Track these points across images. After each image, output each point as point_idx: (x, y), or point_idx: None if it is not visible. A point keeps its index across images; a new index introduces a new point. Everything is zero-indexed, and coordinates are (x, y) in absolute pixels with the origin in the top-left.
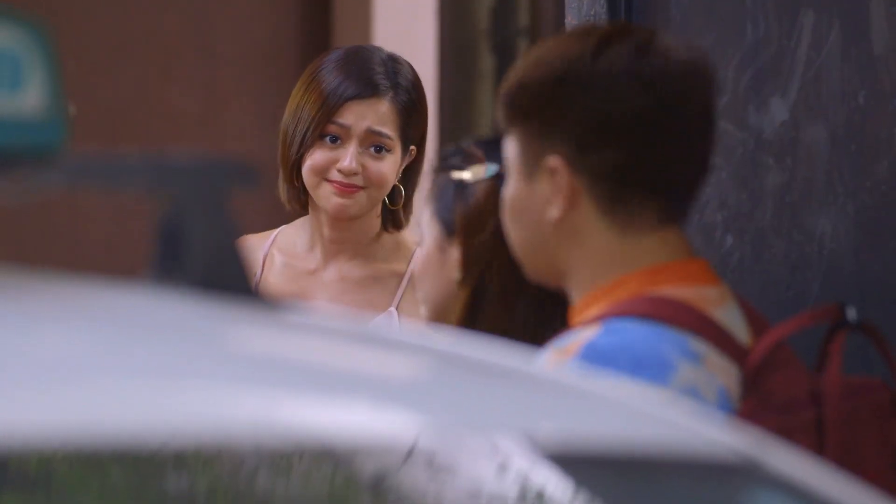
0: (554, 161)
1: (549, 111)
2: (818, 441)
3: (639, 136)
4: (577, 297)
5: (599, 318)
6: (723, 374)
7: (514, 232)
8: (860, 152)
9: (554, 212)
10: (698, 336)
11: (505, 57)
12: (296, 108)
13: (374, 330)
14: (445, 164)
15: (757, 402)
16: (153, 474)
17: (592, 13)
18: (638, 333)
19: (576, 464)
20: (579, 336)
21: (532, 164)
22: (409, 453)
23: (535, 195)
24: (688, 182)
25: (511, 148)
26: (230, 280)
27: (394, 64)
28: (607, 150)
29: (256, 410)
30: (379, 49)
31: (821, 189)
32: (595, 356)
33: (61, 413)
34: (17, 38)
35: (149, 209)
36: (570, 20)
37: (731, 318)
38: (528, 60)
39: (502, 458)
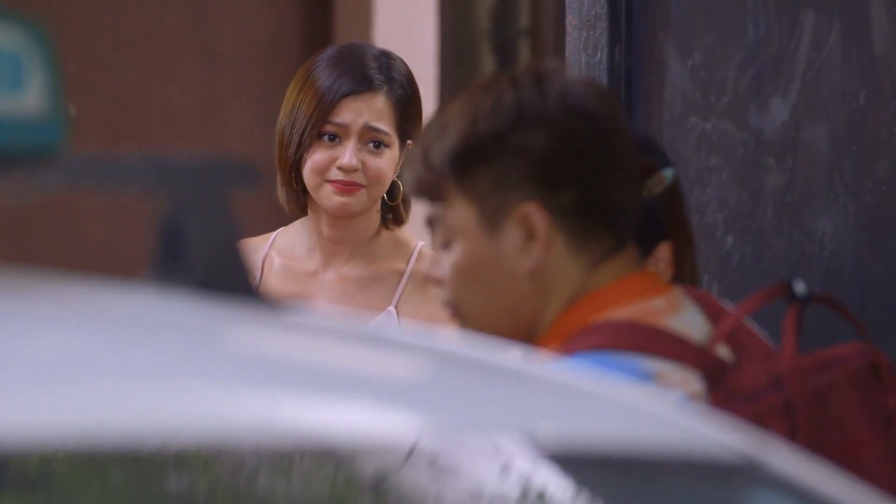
0: (527, 207)
1: (507, 161)
2: (790, 423)
3: (592, 168)
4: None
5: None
6: (681, 384)
7: (477, 293)
8: (861, 152)
9: (528, 260)
10: (648, 354)
11: (506, 57)
12: (291, 108)
13: (375, 330)
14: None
15: (724, 394)
16: (154, 474)
17: (593, 13)
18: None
19: (577, 464)
20: None
21: (496, 218)
22: (410, 454)
23: (502, 249)
24: (632, 206)
25: (457, 212)
26: (230, 280)
27: (387, 59)
28: (570, 187)
29: (257, 411)
30: (371, 45)
31: (821, 189)
32: None
33: (62, 413)
34: (18, 39)
35: (149, 209)
36: (571, 20)
37: (688, 323)
38: (449, 123)
39: (503, 459)
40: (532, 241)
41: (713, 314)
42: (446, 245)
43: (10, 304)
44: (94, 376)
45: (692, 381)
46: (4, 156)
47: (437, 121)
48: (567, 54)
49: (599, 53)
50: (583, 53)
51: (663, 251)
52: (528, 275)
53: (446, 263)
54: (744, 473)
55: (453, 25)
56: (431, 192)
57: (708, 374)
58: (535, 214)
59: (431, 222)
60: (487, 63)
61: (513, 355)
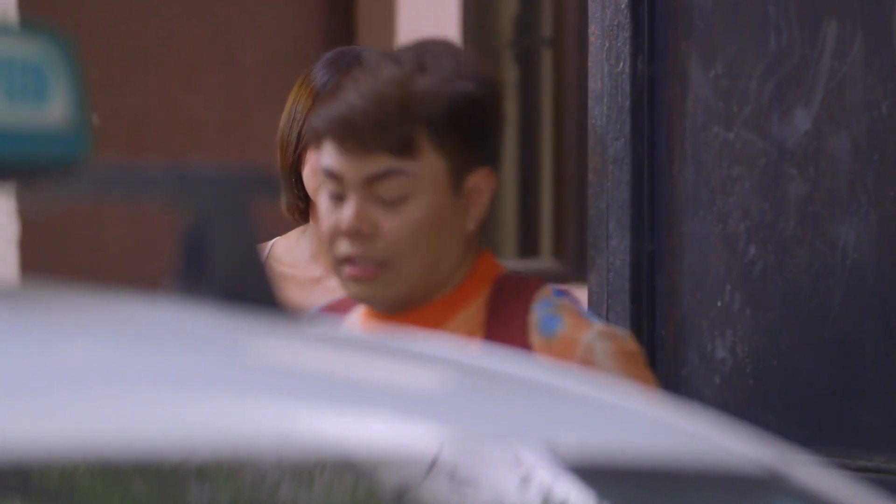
0: (482, 174)
1: (476, 129)
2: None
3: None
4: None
5: (529, 290)
6: None
7: (429, 244)
8: (883, 162)
9: (472, 223)
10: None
11: (528, 66)
12: (289, 111)
13: (396, 341)
14: None
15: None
16: (175, 486)
17: (616, 23)
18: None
19: (598, 475)
20: (563, 302)
21: (458, 180)
22: (432, 465)
23: (458, 208)
24: None
25: (427, 166)
26: (253, 291)
27: None
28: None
29: (279, 422)
30: (366, 48)
31: (844, 198)
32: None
33: (83, 424)
34: (41, 50)
35: (172, 220)
36: (594, 29)
37: None
38: (434, 76)
39: (524, 470)
40: (476, 205)
41: None
42: (399, 201)
43: (33, 315)
44: (115, 387)
45: None
46: (28, 167)
47: (413, 71)
48: (589, 64)
49: (622, 63)
50: (605, 63)
51: None
52: (467, 235)
53: (394, 220)
54: (766, 485)
55: (476, 35)
56: (401, 145)
57: None
58: (488, 180)
59: (381, 176)
60: (510, 72)
61: (535, 366)
